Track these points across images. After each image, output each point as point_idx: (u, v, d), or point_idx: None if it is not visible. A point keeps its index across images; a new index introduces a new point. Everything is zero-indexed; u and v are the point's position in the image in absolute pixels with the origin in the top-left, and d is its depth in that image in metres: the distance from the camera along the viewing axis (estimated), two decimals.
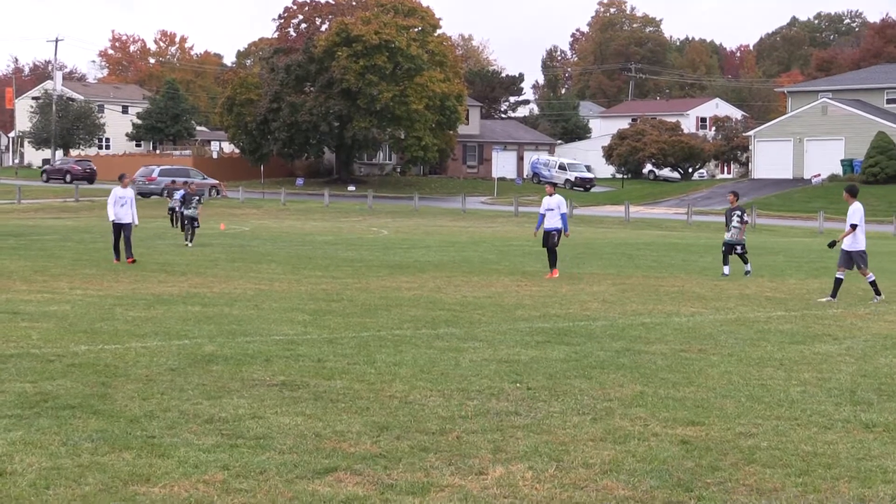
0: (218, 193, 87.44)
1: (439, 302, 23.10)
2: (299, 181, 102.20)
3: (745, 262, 31.70)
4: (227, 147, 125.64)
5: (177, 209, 47.62)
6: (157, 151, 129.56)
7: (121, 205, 32.08)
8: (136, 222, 32.51)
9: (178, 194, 47.03)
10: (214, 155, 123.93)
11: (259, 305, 21.63)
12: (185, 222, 40.73)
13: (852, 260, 25.06)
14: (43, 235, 44.78)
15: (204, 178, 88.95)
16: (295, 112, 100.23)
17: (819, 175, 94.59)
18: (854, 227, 24.77)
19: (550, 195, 30.84)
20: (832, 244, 26.41)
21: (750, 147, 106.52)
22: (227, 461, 9.69)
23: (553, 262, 30.36)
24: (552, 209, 30.60)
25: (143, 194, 77.97)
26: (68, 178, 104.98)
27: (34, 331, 17.28)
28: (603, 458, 10.02)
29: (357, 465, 9.63)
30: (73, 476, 9.14)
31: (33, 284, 24.82)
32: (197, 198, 41.36)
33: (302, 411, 11.74)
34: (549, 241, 30.47)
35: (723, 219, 35.56)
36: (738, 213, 31.94)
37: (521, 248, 43.23)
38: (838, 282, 25.05)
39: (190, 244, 39.05)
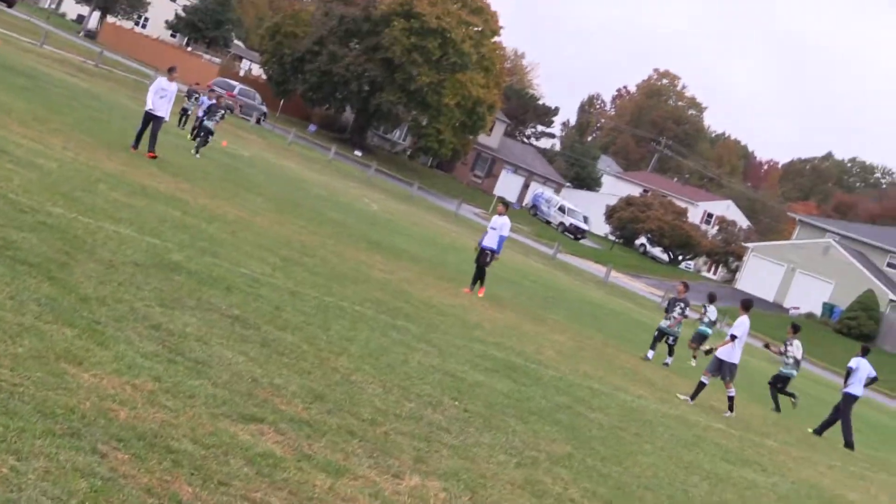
0: (259, 122, 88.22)
1: (405, 294, 22.97)
2: (312, 128, 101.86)
3: (671, 353, 31.76)
4: (256, 70, 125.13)
5: (196, 114, 46.74)
6: (189, 49, 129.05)
7: (160, 97, 31.18)
8: (167, 118, 32.01)
9: (202, 99, 46.24)
10: (241, 73, 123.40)
11: (236, 233, 21.44)
12: (201, 132, 39.51)
13: (721, 369, 25.03)
14: (53, 86, 44.41)
15: (260, 103, 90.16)
16: (333, 62, 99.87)
17: (798, 308, 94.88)
18: (734, 337, 24.79)
19: (500, 214, 30.27)
20: (709, 351, 26.61)
21: (744, 258, 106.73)
22: (160, 373, 9.58)
23: (478, 279, 29.93)
24: (494, 228, 30.11)
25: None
26: None
27: (17, 176, 17.10)
28: None
29: (282, 425, 9.52)
30: (11, 333, 9.01)
31: (29, 130, 24.55)
32: (222, 112, 40.48)
33: (247, 352, 11.63)
34: (482, 258, 30.04)
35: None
36: (682, 304, 31.68)
37: (498, 272, 43.11)
38: (701, 385, 25.07)
39: (197, 154, 38.03)
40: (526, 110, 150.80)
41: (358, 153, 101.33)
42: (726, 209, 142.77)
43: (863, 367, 28.75)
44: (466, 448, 11.31)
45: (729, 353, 24.92)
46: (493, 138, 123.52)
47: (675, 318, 31.38)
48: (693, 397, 24.83)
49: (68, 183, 18.77)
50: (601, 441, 14.85)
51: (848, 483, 21.37)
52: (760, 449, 21.20)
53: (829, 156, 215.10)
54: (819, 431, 28.74)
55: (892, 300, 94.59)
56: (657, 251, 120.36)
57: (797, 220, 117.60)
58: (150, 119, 30.83)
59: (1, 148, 19.73)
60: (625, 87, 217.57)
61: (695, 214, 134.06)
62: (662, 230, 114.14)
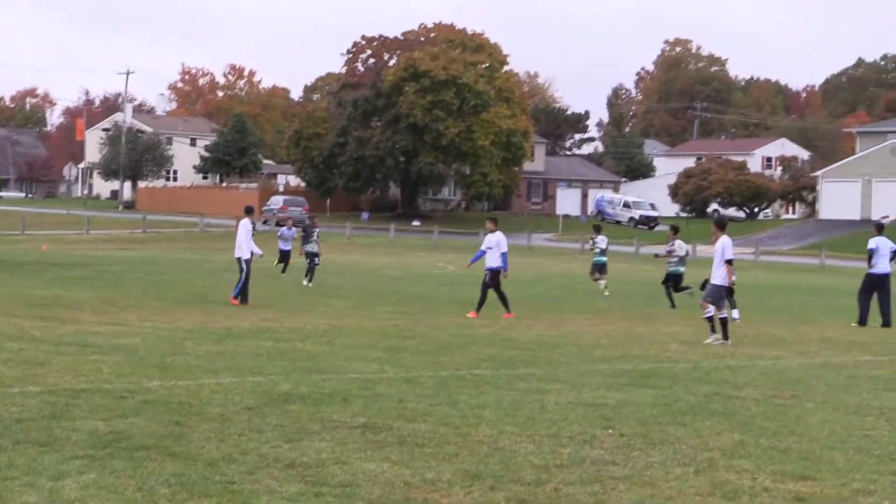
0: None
1: (514, 340, 22.55)
2: (364, 215, 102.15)
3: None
4: (294, 181, 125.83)
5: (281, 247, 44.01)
6: (224, 184, 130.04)
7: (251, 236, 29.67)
8: (252, 254, 29.84)
9: (284, 230, 43.69)
10: (281, 188, 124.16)
11: (332, 341, 21.14)
12: (308, 258, 37.61)
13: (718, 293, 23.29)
14: (111, 266, 44.61)
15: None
16: (362, 146, 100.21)
17: (888, 216, 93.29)
18: (730, 262, 23.11)
19: (491, 231, 28.48)
20: (705, 283, 24.81)
21: (817, 188, 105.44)
22: None
23: (504, 303, 28.15)
24: (491, 247, 28.22)
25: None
26: None
27: (105, 364, 16.84)
28: None
29: None
30: None
31: (102, 316, 24.49)
32: (317, 230, 38.77)
33: (387, 456, 11.16)
34: (491, 281, 28.22)
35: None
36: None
37: (589, 285, 42.57)
38: (724, 321, 23.30)
39: (310, 284, 36.61)
40: (558, 125, 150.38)
41: (416, 223, 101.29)
42: (782, 148, 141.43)
43: (882, 245, 28.95)
44: (640, 474, 10.75)
45: (723, 277, 23.24)
46: (537, 162, 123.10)
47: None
48: (725, 337, 23.13)
49: (156, 352, 18.51)
50: (764, 416, 14.24)
51: None
52: None
53: (860, 62, 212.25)
54: (885, 323, 28.72)
55: None
56: (732, 211, 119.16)
57: (854, 133, 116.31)
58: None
59: (82, 342, 19.58)
60: (643, 69, 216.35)
61: (754, 164, 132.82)
62: (730, 190, 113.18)
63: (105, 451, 10.94)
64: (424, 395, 15.02)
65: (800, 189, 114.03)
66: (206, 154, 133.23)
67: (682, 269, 33.60)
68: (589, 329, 25.70)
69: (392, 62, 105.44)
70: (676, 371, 18.54)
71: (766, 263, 71.31)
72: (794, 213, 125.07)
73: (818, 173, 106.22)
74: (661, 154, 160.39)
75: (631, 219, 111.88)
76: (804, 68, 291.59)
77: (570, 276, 50.25)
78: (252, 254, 29.67)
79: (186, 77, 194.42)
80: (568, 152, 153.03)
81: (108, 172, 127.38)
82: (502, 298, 28.39)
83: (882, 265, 28.86)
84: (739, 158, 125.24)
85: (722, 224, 24.19)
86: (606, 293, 36.87)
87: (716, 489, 10.23)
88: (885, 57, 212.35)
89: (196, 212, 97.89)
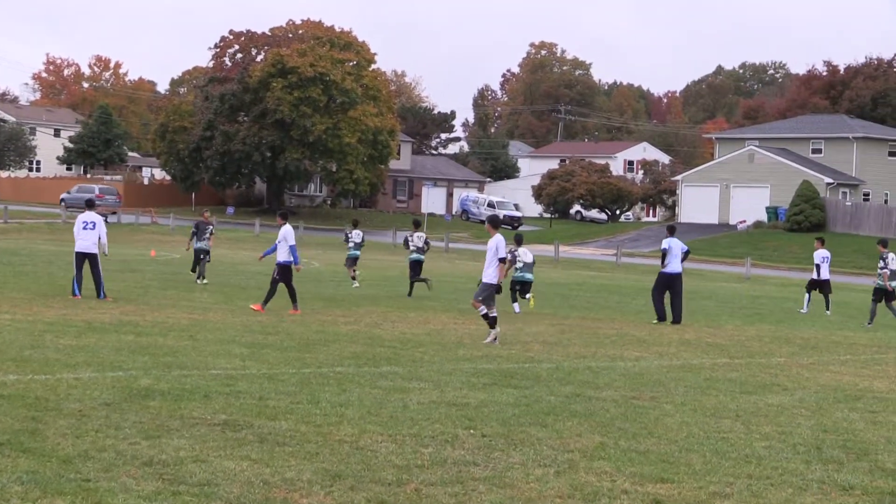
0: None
1: (378, 338, 22.50)
2: (230, 210, 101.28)
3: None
4: (159, 174, 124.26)
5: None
6: (88, 175, 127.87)
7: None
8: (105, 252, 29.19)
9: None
10: (146, 181, 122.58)
11: (194, 336, 20.89)
12: (200, 256, 36.34)
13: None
14: None
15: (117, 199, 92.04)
16: (228, 141, 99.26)
17: (744, 221, 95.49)
18: (503, 260, 23.23)
19: (280, 225, 28.46)
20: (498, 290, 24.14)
21: (677, 191, 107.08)
22: None
23: (293, 298, 27.95)
24: (280, 241, 28.25)
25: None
26: None
27: None
28: None
29: None
30: None
31: None
32: (211, 228, 37.39)
33: (247, 455, 11.04)
34: (280, 276, 28.27)
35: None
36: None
37: (453, 284, 42.73)
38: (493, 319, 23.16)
39: (204, 280, 35.55)
40: (424, 124, 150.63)
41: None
42: (643, 152, 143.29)
43: (674, 245, 30.56)
44: (500, 475, 10.78)
45: (493, 275, 23.09)
46: (403, 161, 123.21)
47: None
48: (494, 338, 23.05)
49: (14, 345, 18.12)
50: (624, 418, 14.39)
51: (866, 372, 21.13)
52: (771, 369, 20.89)
53: (719, 69, 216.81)
54: (676, 320, 30.15)
55: (828, 183, 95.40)
56: (594, 213, 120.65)
57: (714, 139, 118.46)
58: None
59: None
60: (508, 71, 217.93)
61: (616, 167, 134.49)
62: (592, 192, 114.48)
63: None
64: (286, 392, 14.92)
65: (660, 192, 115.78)
66: (71, 145, 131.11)
67: (421, 256, 36.08)
68: (453, 328, 25.74)
69: (260, 58, 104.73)
70: (538, 371, 18.65)
71: (627, 265, 72.16)
72: (654, 216, 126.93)
73: (678, 177, 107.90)
74: (526, 155, 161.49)
75: None
76: (666, 75, 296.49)
77: (434, 274, 50.29)
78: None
79: (51, 67, 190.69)
80: (434, 151, 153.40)
81: None
82: (291, 293, 28.15)
83: (674, 265, 30.42)
84: (602, 161, 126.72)
85: (496, 223, 24.12)
86: (356, 285, 37.95)
87: (576, 491, 10.30)
88: (743, 65, 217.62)
89: (59, 203, 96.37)
